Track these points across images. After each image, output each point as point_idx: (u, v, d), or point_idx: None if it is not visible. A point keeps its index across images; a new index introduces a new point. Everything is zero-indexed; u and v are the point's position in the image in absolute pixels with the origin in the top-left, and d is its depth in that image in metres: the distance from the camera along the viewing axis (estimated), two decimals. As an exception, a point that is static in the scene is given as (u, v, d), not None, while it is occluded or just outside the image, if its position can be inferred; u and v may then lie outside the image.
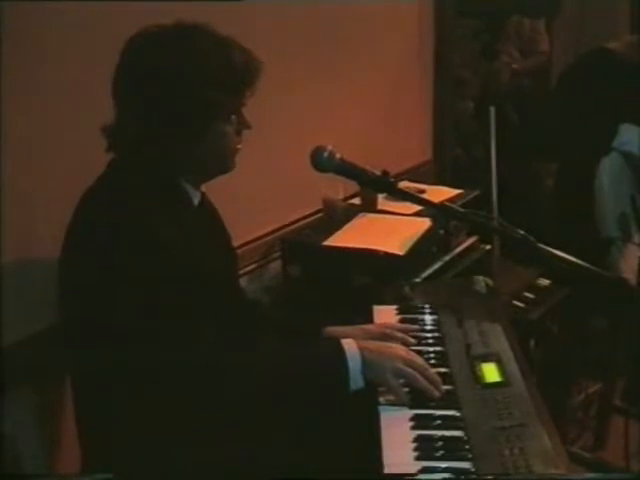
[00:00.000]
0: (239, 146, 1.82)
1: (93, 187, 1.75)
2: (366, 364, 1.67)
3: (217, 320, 1.76)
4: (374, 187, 2.04)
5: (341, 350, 1.69)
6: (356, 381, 1.67)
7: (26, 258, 1.98)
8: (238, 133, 1.80)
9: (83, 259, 1.67)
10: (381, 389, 1.70)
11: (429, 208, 2.14)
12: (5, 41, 1.83)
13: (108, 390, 1.65)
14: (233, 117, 1.77)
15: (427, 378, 1.69)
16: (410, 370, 1.69)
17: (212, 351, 1.67)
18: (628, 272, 2.62)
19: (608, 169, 2.69)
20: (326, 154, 1.87)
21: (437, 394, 1.67)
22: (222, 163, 1.82)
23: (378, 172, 1.90)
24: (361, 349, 1.69)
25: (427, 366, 1.72)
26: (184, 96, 1.69)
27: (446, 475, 1.46)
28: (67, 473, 2.11)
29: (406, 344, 1.86)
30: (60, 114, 2.01)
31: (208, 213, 1.93)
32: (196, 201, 1.84)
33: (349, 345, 1.70)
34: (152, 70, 1.68)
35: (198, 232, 1.80)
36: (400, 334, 1.93)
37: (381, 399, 1.69)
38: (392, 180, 1.91)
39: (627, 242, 2.68)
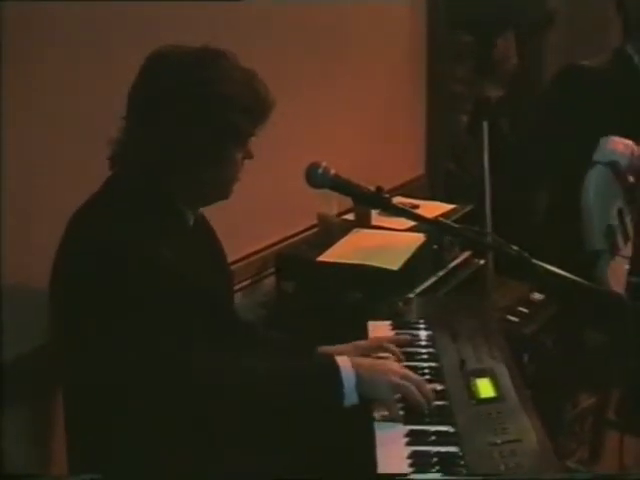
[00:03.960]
0: (239, 175, 1.83)
1: (85, 205, 1.75)
2: (360, 380, 1.69)
3: (210, 337, 1.76)
4: (368, 203, 2.05)
5: (336, 367, 1.70)
6: (350, 397, 1.68)
7: (25, 274, 1.97)
8: (242, 162, 1.81)
9: (71, 282, 1.68)
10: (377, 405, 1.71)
11: (423, 223, 2.15)
12: (5, 41, 1.83)
13: (101, 404, 1.68)
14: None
15: (422, 392, 1.70)
16: (406, 383, 1.70)
17: (208, 368, 1.67)
18: (615, 285, 2.62)
19: (594, 182, 2.68)
20: (320, 170, 1.88)
21: (427, 410, 1.68)
22: (224, 191, 1.83)
23: (372, 188, 1.91)
24: (355, 366, 1.70)
25: (422, 381, 1.74)
26: (213, 120, 1.70)
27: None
28: (59, 474, 2.11)
29: (398, 359, 1.89)
30: (60, 116, 2.01)
31: (203, 232, 1.93)
32: (191, 221, 1.84)
33: (343, 362, 1.71)
34: (183, 91, 1.69)
35: (192, 253, 1.80)
36: (393, 347, 1.94)
37: (375, 414, 1.69)
38: (386, 196, 1.91)
39: (614, 255, 2.67)
